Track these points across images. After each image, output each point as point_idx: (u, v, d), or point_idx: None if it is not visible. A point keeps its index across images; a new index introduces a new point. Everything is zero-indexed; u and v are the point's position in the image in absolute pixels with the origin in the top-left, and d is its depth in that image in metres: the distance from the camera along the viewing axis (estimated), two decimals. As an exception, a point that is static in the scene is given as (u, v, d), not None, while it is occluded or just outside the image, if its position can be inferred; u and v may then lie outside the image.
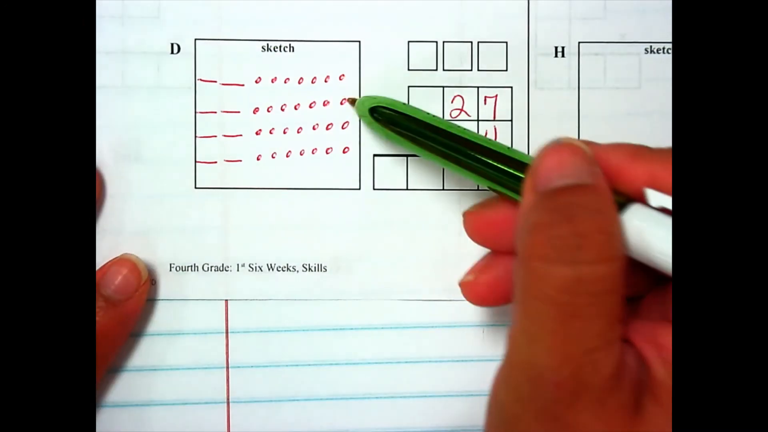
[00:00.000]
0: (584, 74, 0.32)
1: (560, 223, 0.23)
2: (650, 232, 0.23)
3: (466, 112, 0.32)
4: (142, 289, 0.31)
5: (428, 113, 0.29)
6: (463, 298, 0.28)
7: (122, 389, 0.32)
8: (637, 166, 0.25)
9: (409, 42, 0.32)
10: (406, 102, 0.32)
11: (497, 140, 0.32)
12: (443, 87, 0.32)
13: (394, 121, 0.29)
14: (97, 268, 0.31)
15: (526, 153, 0.29)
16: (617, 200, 0.24)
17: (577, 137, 0.32)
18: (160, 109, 0.32)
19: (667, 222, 0.23)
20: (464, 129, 0.28)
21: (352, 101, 0.31)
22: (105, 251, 0.31)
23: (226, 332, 0.32)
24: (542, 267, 0.22)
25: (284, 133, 0.32)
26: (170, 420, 0.32)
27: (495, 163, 0.27)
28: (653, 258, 0.23)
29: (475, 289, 0.28)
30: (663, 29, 0.32)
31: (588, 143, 0.25)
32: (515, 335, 0.23)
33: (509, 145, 0.31)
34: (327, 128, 0.32)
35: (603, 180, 0.24)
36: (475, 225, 0.28)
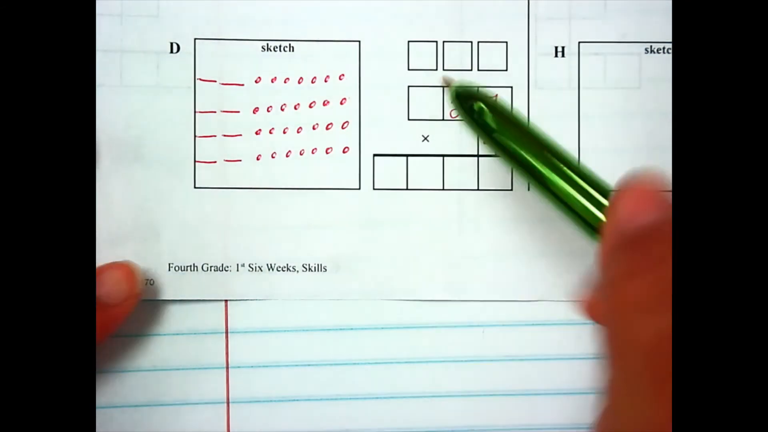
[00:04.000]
0: (584, 74, 0.32)
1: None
2: None
3: (466, 112, 0.32)
4: (131, 299, 0.30)
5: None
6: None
7: (122, 389, 0.32)
8: None
9: (409, 42, 0.32)
10: (406, 101, 0.32)
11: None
12: (443, 87, 0.32)
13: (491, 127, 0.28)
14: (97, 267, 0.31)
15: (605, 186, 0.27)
16: None
17: (577, 137, 0.32)
18: (160, 109, 0.32)
19: None
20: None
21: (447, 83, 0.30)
22: (105, 251, 0.31)
23: (226, 332, 0.32)
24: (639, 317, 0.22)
25: (284, 132, 0.32)
26: (170, 420, 0.32)
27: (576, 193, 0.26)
28: None
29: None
30: (663, 29, 0.32)
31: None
32: (615, 388, 0.22)
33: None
34: (327, 128, 0.32)
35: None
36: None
